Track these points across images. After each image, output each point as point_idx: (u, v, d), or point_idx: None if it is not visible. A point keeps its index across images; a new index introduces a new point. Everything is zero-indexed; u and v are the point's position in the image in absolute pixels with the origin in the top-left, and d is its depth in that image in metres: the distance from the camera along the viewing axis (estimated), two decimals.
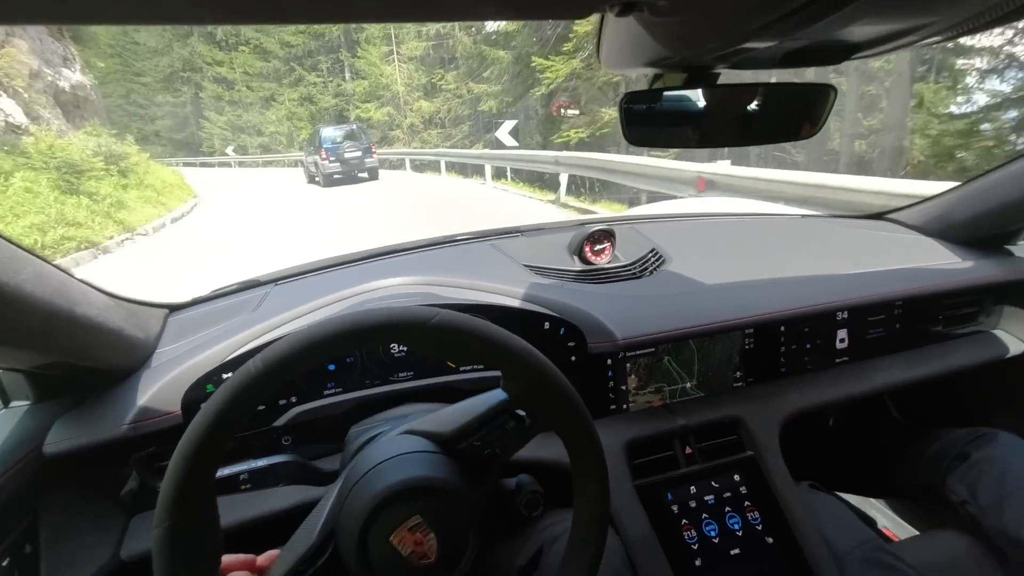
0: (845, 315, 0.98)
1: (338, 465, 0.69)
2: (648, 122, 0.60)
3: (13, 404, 0.67)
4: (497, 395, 0.52)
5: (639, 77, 0.61)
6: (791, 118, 0.61)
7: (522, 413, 0.52)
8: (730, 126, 0.62)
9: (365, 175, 13.17)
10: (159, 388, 0.71)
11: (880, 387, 0.97)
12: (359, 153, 12.82)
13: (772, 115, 0.61)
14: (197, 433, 0.41)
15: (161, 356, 0.78)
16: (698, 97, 0.59)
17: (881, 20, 0.40)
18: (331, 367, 0.79)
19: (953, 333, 1.08)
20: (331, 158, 12.60)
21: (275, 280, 1.01)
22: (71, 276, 0.60)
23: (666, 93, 0.59)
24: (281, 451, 0.77)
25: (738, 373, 0.92)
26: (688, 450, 0.84)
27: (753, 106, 0.60)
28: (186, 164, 22.18)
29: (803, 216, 1.45)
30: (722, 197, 3.97)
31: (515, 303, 0.85)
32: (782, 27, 0.38)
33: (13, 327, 0.51)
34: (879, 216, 1.34)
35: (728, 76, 0.57)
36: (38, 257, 0.55)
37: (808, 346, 0.96)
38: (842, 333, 0.98)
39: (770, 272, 1.03)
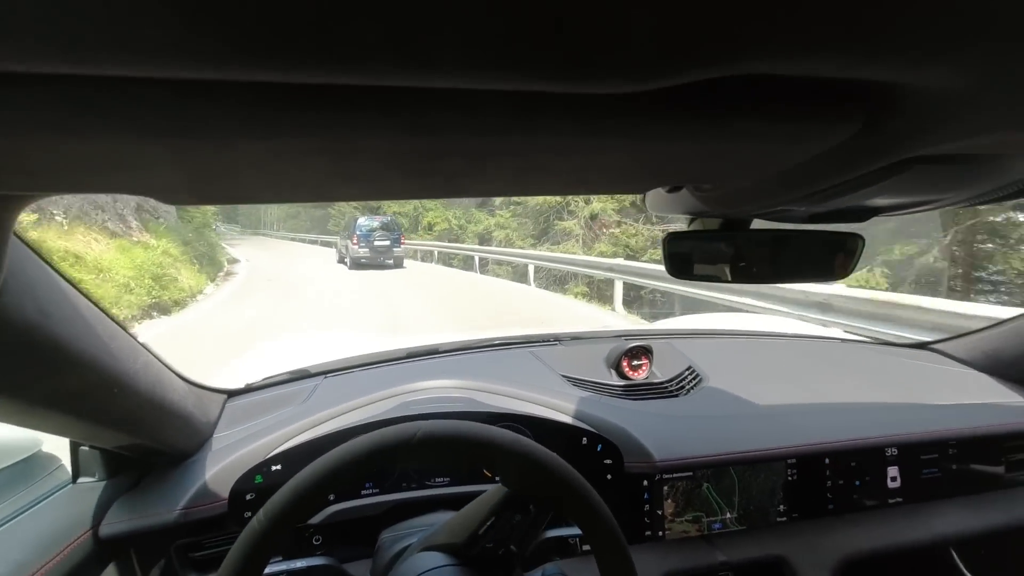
0: (895, 452, 0.94)
1: (368, 573, 0.68)
2: (688, 259, 0.66)
3: (81, 480, 0.72)
4: (498, 491, 0.54)
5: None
6: (821, 261, 0.66)
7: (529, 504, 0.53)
8: (764, 265, 0.67)
9: (391, 263, 14.14)
10: (212, 476, 0.74)
11: (941, 536, 0.90)
12: (387, 243, 13.82)
13: (803, 258, 0.66)
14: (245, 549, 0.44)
15: (217, 442, 0.82)
16: (734, 239, 0.66)
17: (899, 197, 0.46)
18: None
19: (1019, 479, 1.00)
20: (361, 244, 13.59)
21: (324, 373, 1.07)
22: (161, 361, 0.67)
23: (705, 234, 0.65)
24: (311, 551, 0.77)
25: (781, 506, 0.88)
26: None
27: (786, 249, 0.66)
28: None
29: (843, 341, 1.44)
30: (753, 315, 3.92)
31: (553, 415, 0.87)
32: (811, 199, 0.44)
33: (120, 412, 0.57)
34: (922, 346, 1.32)
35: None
36: (140, 345, 0.63)
37: (857, 483, 0.91)
38: (893, 471, 0.94)
39: (811, 398, 1.01)
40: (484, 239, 17.06)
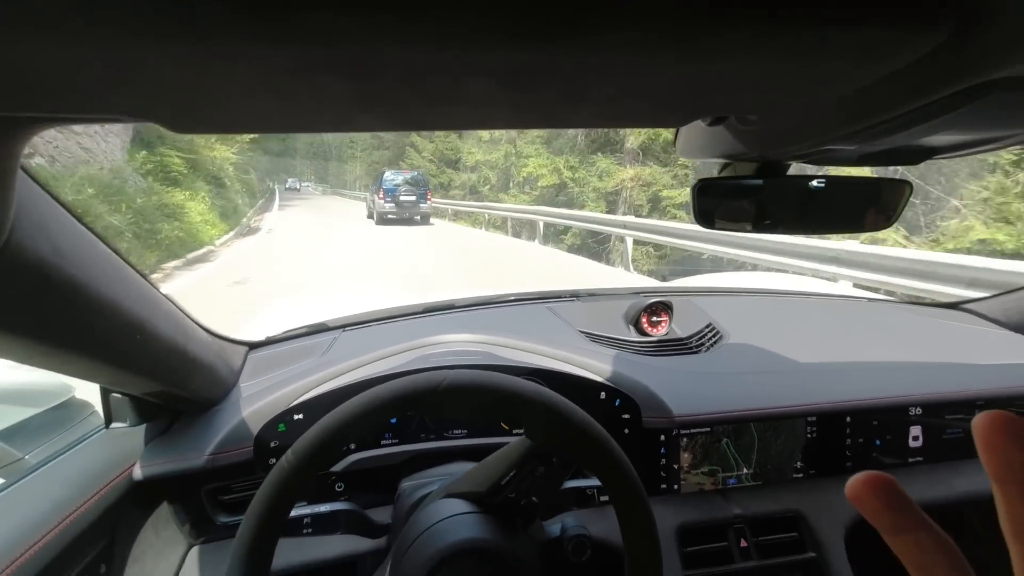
0: (919, 411, 0.92)
1: (389, 518, 0.70)
2: (719, 207, 0.62)
3: (113, 426, 0.74)
4: (521, 443, 0.54)
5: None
6: (862, 210, 0.62)
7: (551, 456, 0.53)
8: (800, 214, 0.63)
9: (418, 219, 13.83)
10: (237, 423, 0.75)
11: (961, 495, 0.89)
12: (413, 198, 13.39)
13: (843, 206, 0.62)
14: (278, 481, 0.45)
15: (240, 391, 0.83)
16: (769, 186, 0.62)
17: (967, 131, 0.42)
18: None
19: None
20: (387, 199, 13.27)
21: (343, 326, 1.08)
22: (182, 311, 0.68)
23: (738, 179, 0.62)
24: (335, 497, 0.79)
25: (799, 463, 0.88)
26: (744, 543, 0.79)
27: (827, 196, 0.62)
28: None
29: (869, 300, 1.40)
30: (777, 274, 3.84)
31: (572, 370, 0.86)
32: (865, 135, 0.40)
33: (144, 358, 0.58)
34: (954, 306, 1.28)
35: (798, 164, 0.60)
36: (161, 294, 0.63)
37: (877, 442, 0.90)
38: (915, 430, 0.92)
39: (834, 357, 0.99)
40: (611, 201, 13.15)
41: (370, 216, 14.86)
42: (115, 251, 0.51)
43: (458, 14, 0.21)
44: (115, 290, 0.48)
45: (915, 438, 0.92)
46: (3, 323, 0.37)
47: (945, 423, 0.93)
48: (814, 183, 0.60)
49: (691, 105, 0.35)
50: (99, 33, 0.20)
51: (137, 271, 0.56)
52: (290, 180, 44.27)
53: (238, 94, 0.26)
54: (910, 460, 0.92)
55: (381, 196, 13.37)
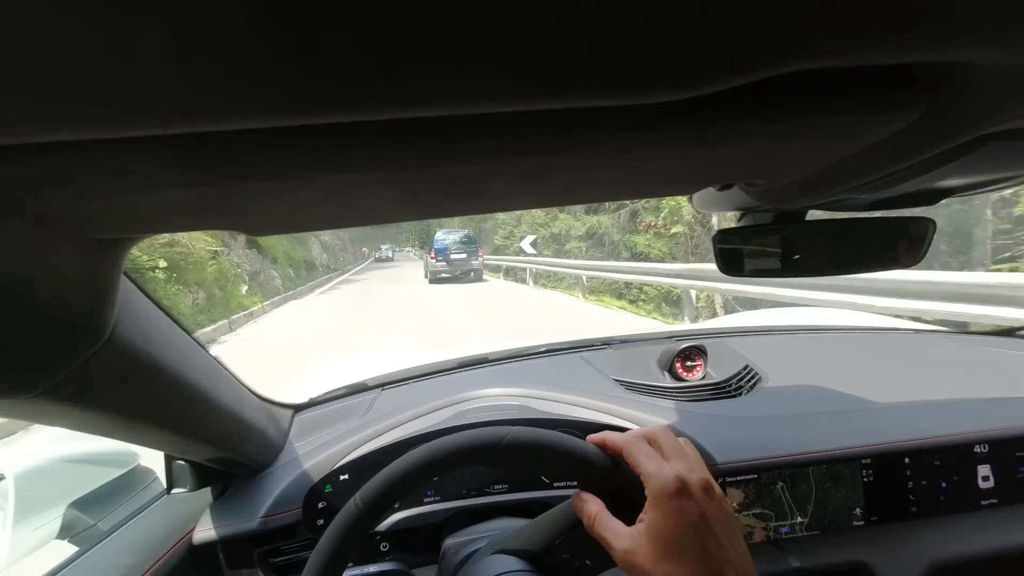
0: (985, 448, 0.86)
1: None
2: (740, 256, 0.64)
3: (175, 491, 0.78)
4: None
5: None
6: (885, 250, 0.63)
7: None
8: (821, 257, 0.64)
9: (471, 275, 14.17)
10: (287, 485, 0.79)
11: None
12: (464, 256, 13.82)
13: (865, 248, 0.63)
14: (329, 546, 0.47)
15: (288, 454, 0.87)
16: (788, 231, 0.64)
17: (973, 176, 0.43)
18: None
19: None
20: (439, 259, 13.70)
21: (381, 385, 1.11)
22: (239, 380, 0.73)
23: (756, 229, 0.64)
24: (380, 557, 0.80)
25: (858, 511, 0.83)
26: None
27: (845, 239, 0.63)
28: None
29: (917, 331, 1.35)
30: (811, 309, 3.72)
31: (608, 419, 0.86)
32: (871, 188, 0.42)
33: (208, 426, 0.62)
34: (1010, 332, 1.22)
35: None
36: (220, 364, 0.68)
37: (943, 484, 0.85)
38: (984, 470, 0.86)
39: (884, 395, 0.95)
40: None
41: (425, 276, 15.18)
42: (184, 329, 0.57)
43: (477, 134, 0.25)
44: (187, 365, 0.53)
45: (985, 478, 0.86)
46: (100, 403, 0.42)
47: (1016, 460, 0.87)
48: (831, 226, 0.62)
49: (697, 180, 0.38)
50: (194, 177, 0.25)
51: (200, 344, 0.61)
52: (383, 248, 44.95)
53: (307, 205, 0.31)
54: (983, 503, 0.86)
55: (433, 256, 13.78)
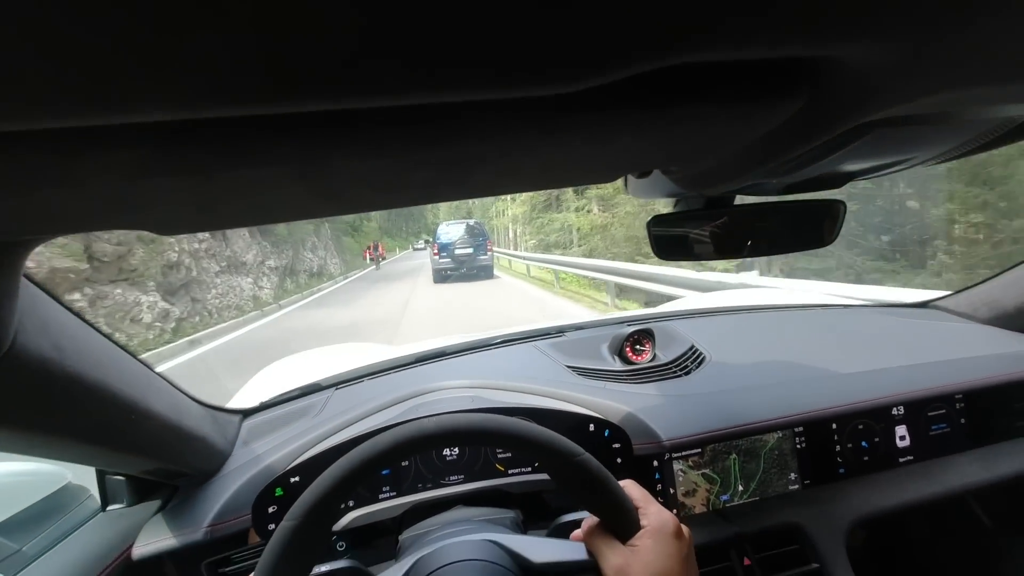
0: (901, 410, 0.94)
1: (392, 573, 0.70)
2: (673, 241, 0.67)
3: (110, 508, 0.74)
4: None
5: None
6: (804, 231, 0.67)
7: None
8: (748, 240, 0.68)
9: (479, 273, 12.26)
10: (234, 492, 0.76)
11: (956, 489, 0.90)
12: (471, 250, 11.98)
13: (786, 229, 0.67)
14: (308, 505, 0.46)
15: (236, 460, 0.84)
16: (717, 216, 0.67)
17: (869, 160, 0.47)
18: (386, 471, 0.83)
19: None
20: (443, 254, 11.97)
21: (335, 384, 1.09)
22: (176, 387, 0.70)
23: (688, 214, 0.67)
24: (337, 556, 0.79)
25: (792, 475, 0.89)
26: (747, 561, 0.80)
27: (768, 221, 0.67)
28: None
29: (846, 307, 1.45)
30: (755, 289, 3.91)
31: (560, 405, 0.88)
32: (778, 171, 0.45)
33: (138, 437, 0.59)
34: (924, 305, 1.33)
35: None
36: (153, 372, 0.65)
37: (865, 444, 0.92)
38: (901, 430, 0.94)
39: (815, 366, 1.02)
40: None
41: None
42: (108, 337, 0.54)
43: (385, 130, 0.25)
44: (109, 374, 0.51)
45: (902, 437, 0.94)
46: (6, 419, 0.40)
47: (929, 420, 0.96)
48: (755, 209, 0.66)
49: (613, 168, 0.40)
50: (106, 176, 0.24)
51: (128, 352, 0.58)
52: (420, 242, 41.42)
53: (214, 205, 0.30)
54: (901, 460, 0.94)
55: (436, 252, 12.08)
